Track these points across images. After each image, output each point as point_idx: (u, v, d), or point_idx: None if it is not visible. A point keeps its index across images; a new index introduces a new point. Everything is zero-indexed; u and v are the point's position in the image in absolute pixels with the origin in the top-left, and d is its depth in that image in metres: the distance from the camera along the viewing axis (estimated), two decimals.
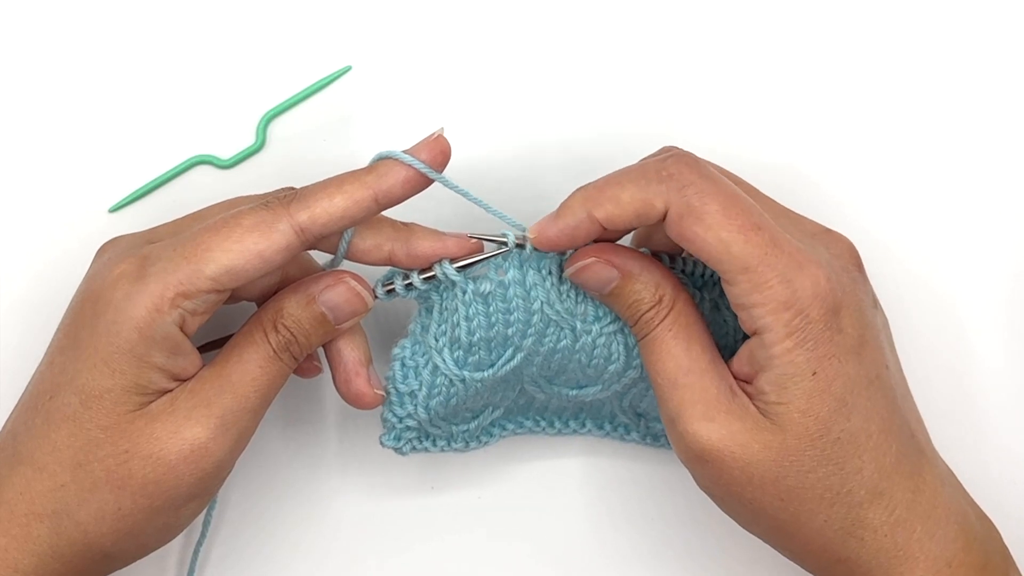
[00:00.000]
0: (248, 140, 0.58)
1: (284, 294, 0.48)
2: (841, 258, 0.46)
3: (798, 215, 0.48)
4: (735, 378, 0.46)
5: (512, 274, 0.48)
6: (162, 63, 0.58)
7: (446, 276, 0.48)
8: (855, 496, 0.44)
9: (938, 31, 0.59)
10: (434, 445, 0.54)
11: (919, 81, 0.59)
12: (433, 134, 0.46)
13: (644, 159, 0.49)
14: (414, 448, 0.53)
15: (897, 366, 0.47)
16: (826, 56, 0.59)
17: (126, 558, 0.48)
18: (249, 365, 0.46)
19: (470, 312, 0.49)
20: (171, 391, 0.46)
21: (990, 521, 0.48)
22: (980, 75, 0.59)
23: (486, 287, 0.48)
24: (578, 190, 0.46)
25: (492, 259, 0.48)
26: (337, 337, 0.49)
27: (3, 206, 0.58)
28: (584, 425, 0.56)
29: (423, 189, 0.46)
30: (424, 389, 0.50)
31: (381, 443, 0.53)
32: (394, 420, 0.52)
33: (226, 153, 0.58)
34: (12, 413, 0.48)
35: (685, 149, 0.48)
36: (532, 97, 0.59)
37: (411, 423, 0.52)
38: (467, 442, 0.55)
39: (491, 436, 0.56)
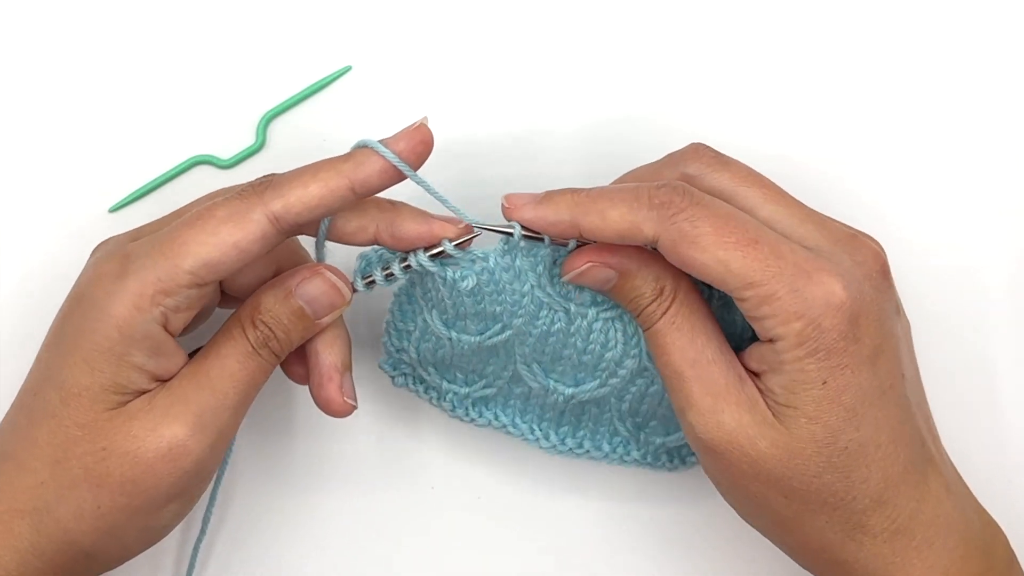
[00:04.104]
0: (248, 140, 0.58)
1: (262, 290, 0.48)
2: (864, 265, 0.45)
3: (825, 219, 0.47)
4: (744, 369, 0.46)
5: (498, 260, 0.48)
6: (162, 63, 0.58)
7: (421, 266, 0.47)
8: (859, 503, 0.44)
9: (956, 29, 0.59)
10: (424, 392, 0.55)
11: (943, 76, 0.59)
12: (415, 123, 0.46)
13: (660, 160, 0.49)
14: (406, 384, 0.54)
15: (914, 373, 0.47)
16: (849, 50, 0.59)
17: (108, 559, 0.47)
18: (227, 361, 0.46)
19: (452, 295, 0.49)
20: (151, 391, 0.46)
21: (996, 527, 0.47)
22: (998, 74, 0.59)
23: (468, 283, 0.48)
24: (569, 191, 0.46)
25: (472, 251, 0.48)
26: (318, 336, 0.49)
27: (3, 206, 0.58)
28: (582, 445, 0.55)
29: (401, 180, 0.46)
30: (417, 332, 0.51)
31: (379, 366, 0.54)
32: (391, 348, 0.53)
33: (226, 153, 0.58)
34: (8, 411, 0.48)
35: (708, 145, 0.48)
36: (532, 97, 0.59)
37: (404, 358, 0.53)
38: (454, 407, 0.55)
39: (480, 416, 0.55)
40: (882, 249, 0.47)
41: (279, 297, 0.47)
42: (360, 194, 0.46)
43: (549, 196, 0.46)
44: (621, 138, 0.58)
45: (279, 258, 0.50)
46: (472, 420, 0.55)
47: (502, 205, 0.47)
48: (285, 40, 0.59)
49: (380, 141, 0.46)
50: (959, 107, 0.59)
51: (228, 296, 0.50)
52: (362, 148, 0.46)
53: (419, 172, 0.46)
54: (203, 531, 0.56)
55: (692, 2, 0.59)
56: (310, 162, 0.57)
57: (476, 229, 0.47)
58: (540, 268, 0.49)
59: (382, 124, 0.58)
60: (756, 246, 0.43)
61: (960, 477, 0.48)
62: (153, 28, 0.59)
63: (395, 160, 0.45)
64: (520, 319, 0.50)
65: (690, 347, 0.45)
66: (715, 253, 0.43)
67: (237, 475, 0.57)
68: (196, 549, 0.56)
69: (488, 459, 0.58)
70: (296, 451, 0.58)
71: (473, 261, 0.48)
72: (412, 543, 0.57)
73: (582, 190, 0.46)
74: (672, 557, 0.57)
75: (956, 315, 0.58)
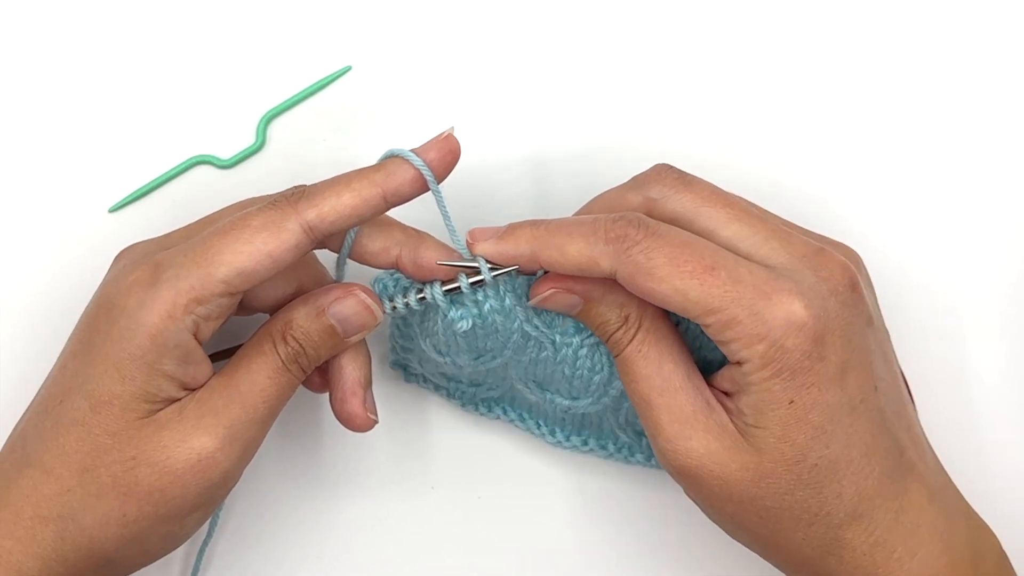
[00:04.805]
0: (248, 140, 0.58)
1: (294, 305, 0.48)
2: (830, 280, 0.44)
3: (791, 234, 0.46)
4: (716, 389, 0.46)
5: (492, 304, 0.48)
6: (162, 63, 0.58)
7: (435, 299, 0.47)
8: (834, 518, 0.44)
9: (936, 38, 0.59)
10: (435, 389, 0.56)
11: (916, 87, 0.59)
12: (443, 133, 0.46)
13: (624, 185, 0.49)
14: (417, 382, 0.56)
15: (892, 380, 0.46)
16: (826, 66, 0.59)
17: (130, 565, 0.47)
18: (258, 376, 0.46)
19: (446, 333, 0.49)
20: (180, 400, 0.46)
21: (987, 531, 0.47)
22: (978, 82, 0.59)
23: (464, 326, 0.48)
24: (529, 225, 0.46)
25: (476, 288, 0.47)
26: (343, 352, 0.49)
27: (3, 206, 0.58)
28: (587, 443, 0.56)
29: (427, 191, 0.47)
30: (417, 351, 0.53)
31: (391, 366, 0.56)
32: (398, 356, 0.55)
33: (226, 153, 0.58)
34: (24, 415, 0.48)
35: (672, 165, 0.48)
36: (533, 97, 0.59)
37: (412, 364, 0.54)
38: (464, 403, 0.56)
39: (490, 411, 0.56)
40: (853, 261, 0.47)
41: (311, 315, 0.47)
42: (391, 203, 0.46)
43: (510, 230, 0.46)
44: (622, 141, 0.58)
45: (299, 273, 0.50)
46: (482, 415, 0.56)
47: (466, 240, 0.47)
48: (285, 40, 0.59)
49: (413, 151, 0.46)
50: (940, 117, 0.59)
51: (242, 305, 0.50)
52: (393, 158, 0.46)
53: None
54: (210, 533, 0.56)
55: (680, 26, 0.59)
56: (311, 162, 0.58)
57: (483, 272, 0.47)
58: (526, 300, 0.49)
59: (382, 124, 0.58)
60: (713, 272, 0.43)
61: (949, 482, 0.47)
62: (153, 28, 0.59)
63: (426, 170, 0.46)
64: (509, 351, 0.50)
65: (656, 375, 0.45)
66: (672, 283, 0.43)
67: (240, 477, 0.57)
68: (202, 552, 0.56)
69: (488, 459, 0.58)
70: (297, 452, 0.58)
71: (475, 302, 0.48)
72: (412, 543, 0.57)
73: (541, 223, 0.46)
74: (672, 557, 0.57)
75: (938, 320, 0.58)
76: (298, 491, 0.57)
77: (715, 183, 0.48)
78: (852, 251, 0.48)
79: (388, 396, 0.57)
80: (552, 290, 0.47)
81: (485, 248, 0.46)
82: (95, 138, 0.58)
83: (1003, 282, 0.58)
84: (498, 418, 0.56)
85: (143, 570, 0.48)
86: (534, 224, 0.46)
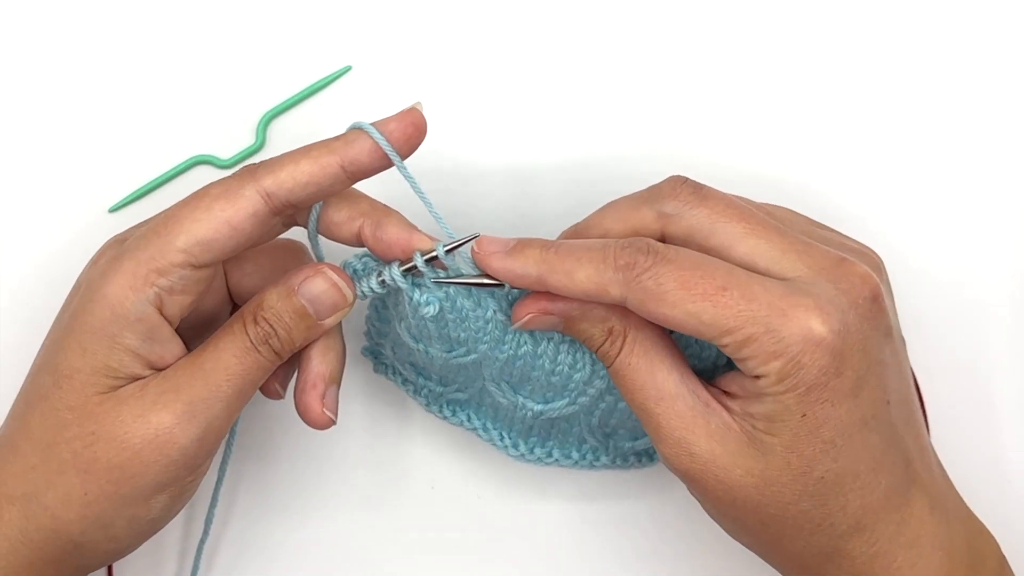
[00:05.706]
0: (248, 140, 0.58)
1: (267, 287, 0.47)
2: (850, 292, 0.43)
3: (809, 246, 0.45)
4: (717, 389, 0.45)
5: (458, 288, 0.47)
6: (162, 63, 0.59)
7: (394, 281, 0.47)
8: (836, 529, 0.43)
9: (953, 41, 0.59)
10: (402, 384, 0.55)
11: (935, 86, 0.59)
12: (409, 106, 0.46)
13: (640, 192, 0.49)
14: (386, 374, 0.56)
15: (905, 391, 0.46)
16: (841, 68, 0.59)
17: (97, 551, 0.46)
18: (224, 354, 0.45)
19: (415, 318, 0.48)
20: (145, 378, 0.45)
21: (987, 535, 0.47)
22: (998, 81, 0.59)
23: (430, 311, 0.47)
24: (539, 245, 0.45)
25: (438, 272, 0.47)
26: (313, 343, 0.48)
27: (3, 206, 0.58)
28: (551, 454, 0.54)
29: (391, 165, 0.46)
30: (392, 335, 0.52)
31: (362, 353, 0.56)
32: (372, 342, 0.55)
33: (226, 153, 0.58)
34: None
35: (689, 177, 0.47)
36: (532, 98, 0.59)
37: (384, 351, 0.54)
38: (428, 403, 0.55)
39: (453, 415, 0.55)
40: (875, 268, 0.46)
41: (282, 295, 0.46)
42: (351, 173, 0.45)
43: (519, 248, 0.45)
44: (622, 146, 0.58)
45: (288, 268, 0.49)
46: (445, 418, 0.55)
47: (472, 248, 0.46)
48: (285, 40, 0.59)
49: (373, 123, 0.45)
50: (958, 115, 0.59)
51: (239, 306, 0.50)
52: (354, 129, 0.46)
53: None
54: (206, 532, 0.55)
55: (695, 28, 0.59)
56: None
57: (438, 251, 0.46)
58: (499, 293, 0.48)
59: None
60: (726, 292, 0.42)
61: (950, 486, 0.47)
62: (153, 28, 0.59)
63: (383, 142, 0.45)
64: (485, 345, 0.49)
65: (650, 383, 0.45)
66: (684, 307, 0.42)
67: (237, 474, 0.57)
68: (200, 551, 0.56)
69: (488, 459, 0.58)
70: (298, 449, 0.58)
71: (439, 286, 0.47)
72: (412, 542, 0.57)
73: (551, 244, 0.45)
74: (672, 556, 0.57)
75: (957, 319, 0.58)
76: (297, 490, 0.57)
77: (731, 185, 0.47)
78: (875, 257, 0.47)
79: (389, 395, 0.57)
80: (530, 315, 0.46)
81: (491, 263, 0.45)
82: (95, 138, 0.58)
83: (1018, 284, 0.58)
84: (461, 424, 0.55)
85: (142, 571, 0.48)
86: (544, 245, 0.45)
